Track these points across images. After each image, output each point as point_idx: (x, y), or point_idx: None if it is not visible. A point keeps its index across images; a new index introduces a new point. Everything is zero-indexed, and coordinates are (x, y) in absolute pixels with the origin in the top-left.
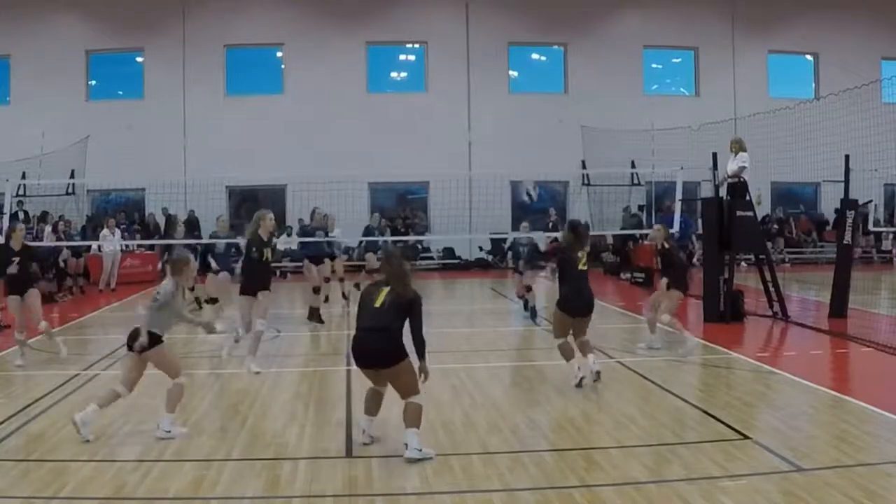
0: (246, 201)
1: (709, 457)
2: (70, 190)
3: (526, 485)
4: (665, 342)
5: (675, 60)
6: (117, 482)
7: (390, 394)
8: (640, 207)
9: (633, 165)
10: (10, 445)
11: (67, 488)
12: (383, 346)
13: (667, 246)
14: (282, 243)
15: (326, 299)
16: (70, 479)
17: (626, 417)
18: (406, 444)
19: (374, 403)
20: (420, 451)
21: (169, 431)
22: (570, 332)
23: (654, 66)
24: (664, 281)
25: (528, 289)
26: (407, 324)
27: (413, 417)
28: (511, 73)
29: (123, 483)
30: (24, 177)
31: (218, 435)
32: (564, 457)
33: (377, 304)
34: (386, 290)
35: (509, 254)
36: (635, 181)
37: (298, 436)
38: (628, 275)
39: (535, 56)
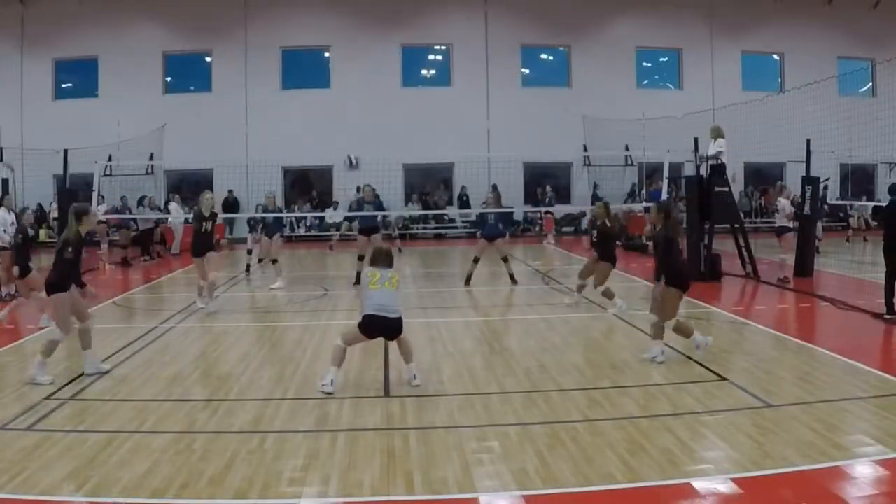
0: (298, 180)
1: (692, 395)
2: (149, 170)
3: (537, 419)
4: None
5: (662, 59)
6: (190, 418)
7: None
8: (632, 186)
9: (626, 149)
10: (99, 388)
11: (148, 423)
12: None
13: (607, 223)
14: (328, 217)
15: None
16: (150, 416)
17: (621, 362)
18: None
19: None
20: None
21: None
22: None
23: (644, 64)
24: (594, 254)
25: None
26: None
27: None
28: (523, 70)
29: (195, 419)
30: (110, 159)
31: (275, 378)
32: (570, 396)
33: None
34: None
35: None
36: (629, 162)
37: (344, 379)
38: (622, 241)
39: (543, 56)
